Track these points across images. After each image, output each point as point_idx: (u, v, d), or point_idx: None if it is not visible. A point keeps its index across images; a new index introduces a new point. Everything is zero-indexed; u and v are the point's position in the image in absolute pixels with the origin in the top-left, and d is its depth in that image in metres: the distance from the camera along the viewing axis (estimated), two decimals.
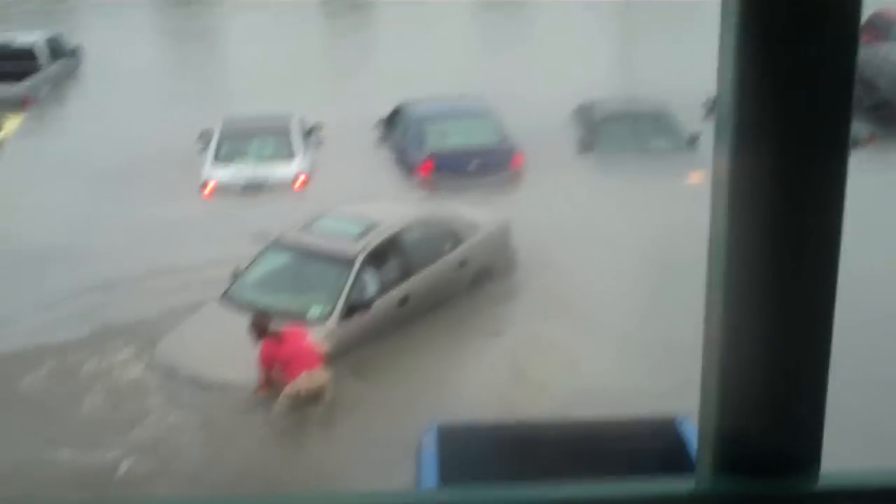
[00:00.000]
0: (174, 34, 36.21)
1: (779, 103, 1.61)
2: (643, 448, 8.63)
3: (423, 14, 37.06)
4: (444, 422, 9.41)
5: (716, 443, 1.77)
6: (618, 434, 8.79)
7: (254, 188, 18.19)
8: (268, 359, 11.27)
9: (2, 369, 11.92)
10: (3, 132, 22.13)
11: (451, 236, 13.82)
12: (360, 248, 12.64)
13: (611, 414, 9.36)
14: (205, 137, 19.75)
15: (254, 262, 13.21)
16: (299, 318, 12.05)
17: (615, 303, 13.07)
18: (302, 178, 18.38)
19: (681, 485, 1.63)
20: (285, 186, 18.22)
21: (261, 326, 11.35)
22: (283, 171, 18.45)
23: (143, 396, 11.45)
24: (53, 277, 14.25)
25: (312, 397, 11.24)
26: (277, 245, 13.29)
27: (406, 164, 18.83)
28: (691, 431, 8.57)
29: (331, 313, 12.10)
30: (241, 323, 11.94)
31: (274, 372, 11.30)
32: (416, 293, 12.95)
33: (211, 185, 18.21)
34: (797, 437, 1.75)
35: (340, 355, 11.68)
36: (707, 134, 19.46)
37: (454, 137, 19.08)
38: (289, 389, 11.15)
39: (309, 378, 11.20)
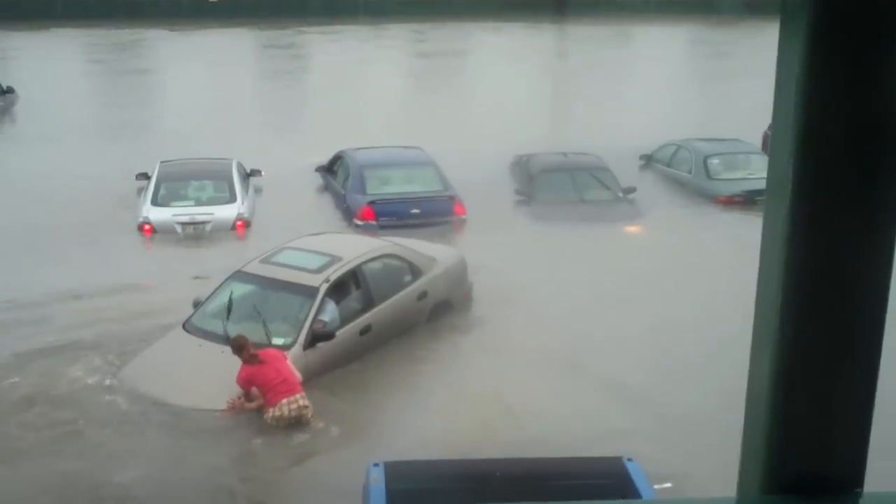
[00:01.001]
0: (110, 75, 36.03)
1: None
2: (590, 486, 8.67)
3: (359, 59, 37.46)
4: (390, 459, 9.39)
5: (760, 463, 1.82)
6: (565, 472, 8.83)
7: (192, 231, 18.08)
8: (245, 381, 11.32)
9: None
10: None
11: (410, 269, 13.95)
12: (322, 279, 12.70)
13: (558, 454, 9.40)
14: (142, 179, 19.63)
15: (215, 291, 13.22)
16: (261, 347, 11.99)
17: (560, 336, 13.41)
18: (241, 221, 18.30)
19: None
20: (225, 230, 18.13)
21: (239, 347, 11.37)
22: (223, 214, 18.38)
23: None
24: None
25: (295, 422, 11.24)
26: (239, 275, 13.30)
27: (347, 210, 18.88)
28: (637, 471, 8.66)
29: (294, 342, 12.09)
30: (202, 350, 12.13)
31: (251, 394, 11.33)
32: (378, 323, 13.05)
33: (148, 226, 18.04)
34: (841, 459, 1.82)
35: (305, 382, 11.63)
36: (642, 187, 19.91)
37: (395, 184, 19.23)
38: (273, 413, 11.17)
39: (290, 403, 11.22)
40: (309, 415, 11.36)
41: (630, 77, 35.09)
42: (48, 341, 13.32)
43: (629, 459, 8.82)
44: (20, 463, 10.55)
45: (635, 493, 8.38)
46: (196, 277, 15.43)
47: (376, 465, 8.86)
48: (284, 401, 11.24)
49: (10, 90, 29.36)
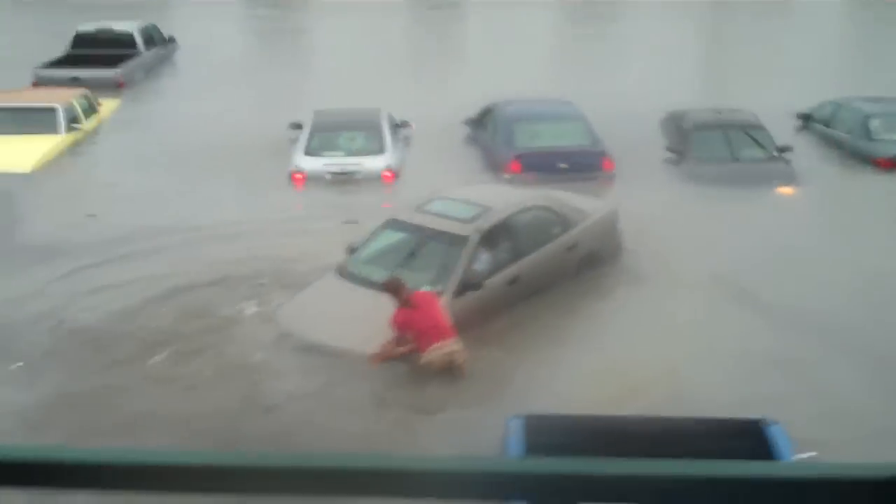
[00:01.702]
0: (266, 31, 36.75)
1: None
2: (729, 448, 8.56)
3: (510, 15, 37.26)
4: (531, 411, 9.45)
5: None
6: (704, 433, 8.73)
7: (342, 180, 18.39)
8: (401, 325, 11.52)
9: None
10: (100, 114, 22.61)
11: (560, 221, 13.90)
12: (473, 229, 12.80)
13: (697, 414, 9.29)
14: (295, 129, 20.04)
15: (369, 238, 13.49)
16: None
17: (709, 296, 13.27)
18: (390, 172, 18.53)
19: (879, 470, 1.45)
20: (374, 180, 18.39)
21: (394, 289, 11.59)
22: (372, 164, 18.63)
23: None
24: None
25: (447, 367, 11.43)
26: (392, 223, 13.52)
27: (495, 164, 18.87)
28: (777, 435, 8.50)
29: (444, 290, 12.22)
30: (355, 295, 12.40)
31: (403, 338, 11.52)
32: (526, 274, 13.07)
33: (300, 175, 18.43)
34: None
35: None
36: (798, 147, 19.33)
37: (543, 138, 19.10)
38: (425, 359, 11.37)
39: (442, 348, 11.39)
40: (461, 360, 11.47)
41: (789, 35, 33.98)
42: (205, 278, 13.87)
43: (771, 422, 8.66)
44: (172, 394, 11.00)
45: (774, 458, 8.24)
46: (346, 222, 15.72)
47: (516, 417, 8.94)
48: (437, 345, 11.38)
49: (171, 39, 30.26)
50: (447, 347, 11.44)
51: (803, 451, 8.64)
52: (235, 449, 8.84)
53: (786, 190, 18.12)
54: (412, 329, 11.50)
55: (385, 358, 11.56)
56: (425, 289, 12.28)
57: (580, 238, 13.92)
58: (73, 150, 20.57)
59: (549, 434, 8.80)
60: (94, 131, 21.83)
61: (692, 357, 11.67)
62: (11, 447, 1.56)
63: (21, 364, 11.50)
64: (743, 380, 11.22)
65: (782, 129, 20.31)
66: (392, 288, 11.64)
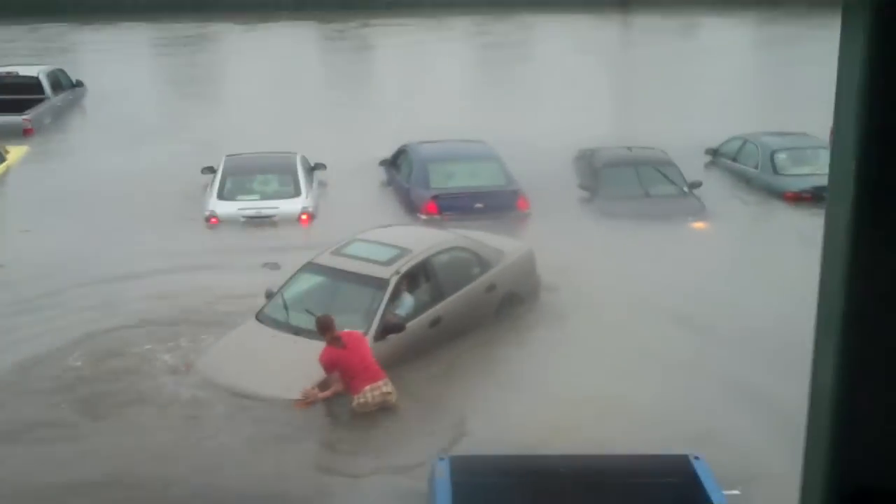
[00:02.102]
0: (174, 72, 36.46)
1: None
2: (656, 485, 8.64)
3: (422, 51, 37.55)
4: (456, 453, 9.44)
5: (823, 471, 1.78)
6: (631, 470, 8.79)
7: (257, 224, 18.25)
8: (330, 364, 11.48)
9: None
10: (7, 161, 22.15)
11: (478, 261, 13.97)
12: (392, 271, 12.79)
13: (624, 451, 9.35)
14: (208, 173, 19.84)
15: (288, 282, 13.39)
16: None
17: (628, 331, 13.41)
18: (307, 215, 18.44)
19: None
20: (290, 223, 18.28)
21: (324, 327, 11.55)
22: (288, 207, 18.53)
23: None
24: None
25: (380, 407, 11.44)
26: (310, 267, 13.44)
27: (411, 204, 18.90)
28: (704, 470, 8.58)
29: (365, 334, 12.16)
30: (275, 340, 12.37)
31: (330, 378, 11.48)
32: (448, 316, 13.10)
33: (214, 219, 18.24)
34: None
35: None
36: (708, 182, 19.72)
37: (458, 179, 19.26)
38: (358, 400, 11.35)
39: (375, 389, 11.39)
40: (393, 400, 11.50)
41: (695, 70, 34.71)
42: (120, 323, 13.68)
43: (696, 458, 8.75)
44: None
45: (703, 494, 8.32)
46: (266, 265, 15.66)
47: (442, 459, 8.91)
48: (367, 388, 11.37)
49: (79, 83, 29.82)
50: (380, 388, 11.44)
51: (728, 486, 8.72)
52: None
53: (698, 224, 18.46)
54: (341, 368, 11.44)
55: (310, 402, 11.45)
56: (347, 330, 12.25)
57: (499, 278, 13.97)
58: None
59: (474, 474, 8.79)
60: (1, 178, 21.34)
61: (623, 387, 11.79)
62: None
63: None
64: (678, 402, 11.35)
65: (692, 165, 20.69)
66: (323, 326, 11.59)
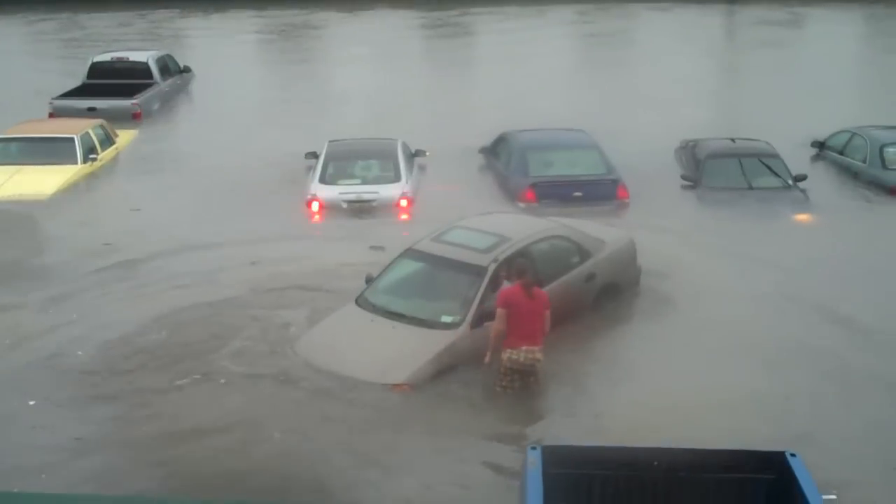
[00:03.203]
0: (280, 59, 36.99)
1: None
2: (751, 481, 8.52)
3: (523, 39, 37.48)
4: (548, 443, 9.42)
5: None
6: (726, 465, 8.67)
7: (358, 208, 18.45)
8: (506, 301, 11.46)
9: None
10: (117, 144, 22.73)
11: (578, 250, 13.85)
12: (491, 258, 12.77)
13: (719, 445, 9.23)
14: (310, 158, 20.15)
15: (387, 268, 13.49)
16: (430, 324, 12.29)
17: (732, 326, 13.22)
18: (406, 200, 18.58)
19: None
20: (389, 208, 18.43)
21: (522, 270, 11.62)
22: (388, 192, 18.68)
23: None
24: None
25: (524, 371, 11.51)
26: (410, 253, 13.51)
27: (509, 192, 18.89)
28: (800, 468, 8.43)
29: (462, 321, 12.22)
30: (374, 325, 12.48)
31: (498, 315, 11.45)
32: None
33: (316, 203, 18.49)
34: None
35: (471, 362, 11.82)
36: (813, 176, 19.34)
37: (558, 167, 19.19)
38: (510, 354, 11.40)
39: (532, 352, 11.43)
40: (538, 369, 11.54)
41: (802, 61, 34.02)
42: (227, 295, 14.13)
43: (793, 454, 8.60)
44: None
45: (799, 492, 8.17)
46: (373, 248, 15.87)
47: (534, 448, 8.90)
48: (525, 347, 11.40)
49: (186, 69, 30.42)
50: (535, 353, 11.48)
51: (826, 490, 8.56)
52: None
53: (802, 217, 18.11)
54: (514, 311, 11.39)
55: (407, 387, 11.55)
56: (445, 319, 12.30)
57: (599, 268, 13.86)
58: (89, 179, 20.67)
59: (566, 465, 8.76)
60: (111, 161, 21.94)
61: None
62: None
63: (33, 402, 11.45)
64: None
65: (798, 158, 20.31)
66: (521, 269, 11.68)
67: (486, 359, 11.56)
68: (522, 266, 11.82)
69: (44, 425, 10.95)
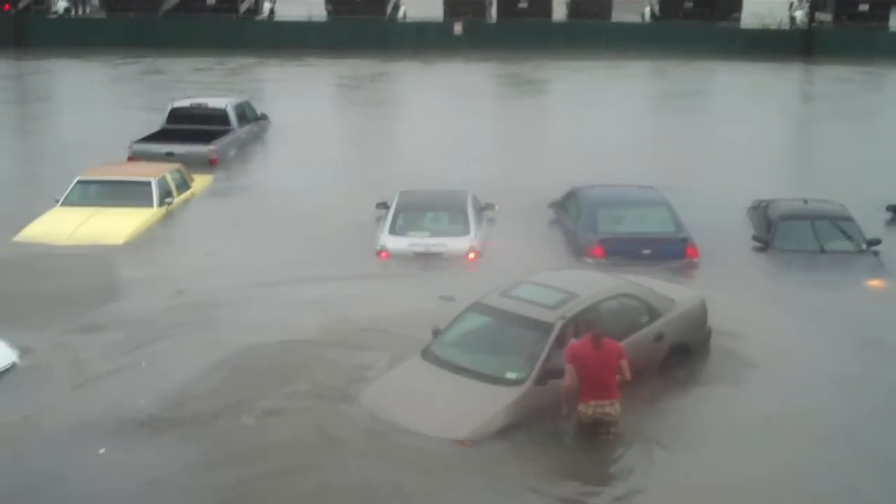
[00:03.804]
0: (358, 105, 37.47)
1: None
2: None
3: (599, 95, 37.56)
4: None
5: None
6: None
7: (426, 258, 18.55)
8: (575, 356, 11.56)
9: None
10: (193, 189, 23.15)
11: (647, 309, 13.75)
12: (558, 315, 12.74)
13: None
14: (381, 208, 20.33)
15: (454, 321, 13.53)
16: (494, 380, 12.28)
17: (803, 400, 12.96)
18: (473, 253, 18.64)
19: None
20: (457, 260, 18.50)
21: (592, 324, 11.78)
22: (456, 245, 18.74)
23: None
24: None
25: (596, 423, 11.55)
26: (478, 307, 13.54)
27: (578, 247, 18.87)
28: None
29: (526, 377, 12.19)
30: (440, 378, 12.51)
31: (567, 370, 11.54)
32: None
33: (385, 253, 18.64)
34: None
35: (534, 420, 11.83)
36: (888, 240, 19.04)
37: (627, 223, 19.14)
38: (583, 407, 11.50)
39: (604, 406, 11.49)
40: (611, 422, 11.54)
41: (880, 121, 33.66)
42: (290, 347, 14.24)
43: None
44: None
45: None
46: (443, 298, 15.89)
47: None
48: (593, 402, 11.47)
49: (263, 116, 30.94)
50: (604, 407, 11.51)
51: None
52: None
53: (875, 283, 17.83)
54: (580, 365, 11.48)
55: (470, 443, 11.54)
56: (508, 374, 12.29)
57: (668, 328, 13.73)
58: (164, 223, 21.06)
59: None
60: (187, 205, 22.34)
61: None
62: None
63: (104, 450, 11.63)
64: None
65: (872, 221, 20.04)
66: (591, 322, 11.83)
67: (564, 411, 11.67)
68: (591, 319, 11.92)
69: (115, 470, 11.15)
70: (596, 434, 11.58)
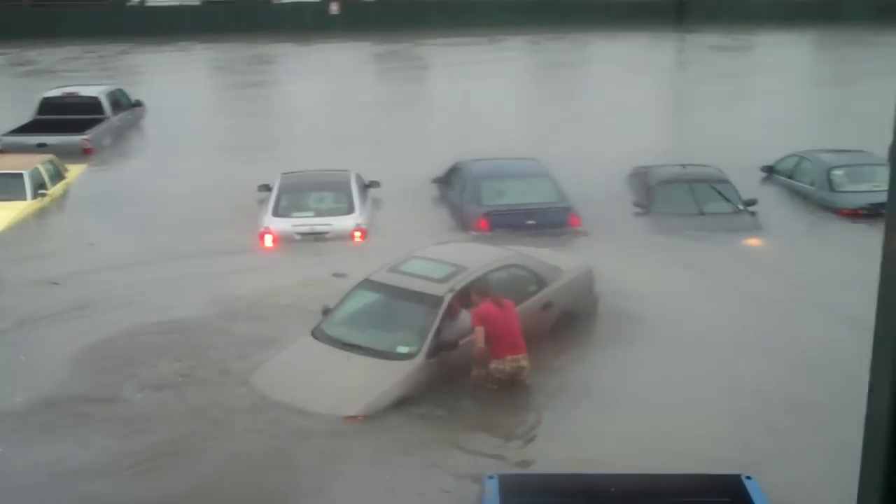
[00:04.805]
0: (236, 88, 36.95)
1: None
2: None
3: (475, 70, 37.70)
4: (504, 472, 9.41)
5: (878, 487, 1.74)
6: (682, 489, 8.70)
7: (311, 240, 18.38)
8: (483, 318, 11.89)
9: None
10: (67, 179, 22.54)
11: (535, 279, 13.85)
12: (448, 288, 12.76)
13: (674, 469, 9.25)
14: (263, 191, 20.06)
15: (343, 299, 13.45)
16: (386, 355, 12.25)
17: (686, 352, 13.27)
18: (359, 231, 18.55)
19: None
20: (343, 239, 18.39)
21: (484, 290, 12.26)
22: (342, 224, 18.63)
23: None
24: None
25: (511, 380, 11.94)
26: (366, 284, 13.48)
27: (463, 221, 18.95)
28: (756, 490, 8.48)
29: (418, 351, 12.20)
30: (331, 356, 12.47)
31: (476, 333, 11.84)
32: None
33: (270, 235, 18.41)
34: None
35: (426, 393, 11.89)
36: (763, 200, 19.54)
37: (510, 195, 19.25)
38: (496, 365, 11.83)
39: (517, 361, 11.89)
40: (525, 376, 11.99)
41: (751, 87, 34.51)
42: (176, 332, 13.98)
43: (748, 477, 8.65)
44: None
45: None
46: (335, 275, 15.84)
47: (491, 477, 8.88)
48: (510, 357, 11.84)
49: (138, 103, 30.27)
50: (519, 361, 11.92)
51: None
52: None
53: (753, 241, 18.29)
54: (491, 325, 11.82)
55: (361, 418, 11.50)
56: (399, 349, 12.28)
57: (556, 296, 13.87)
58: (39, 215, 20.46)
59: (524, 494, 8.76)
60: (62, 196, 21.74)
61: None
62: None
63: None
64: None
65: (747, 182, 20.53)
66: (482, 289, 12.31)
67: (474, 372, 11.96)
68: (481, 286, 12.37)
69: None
70: (511, 387, 11.94)
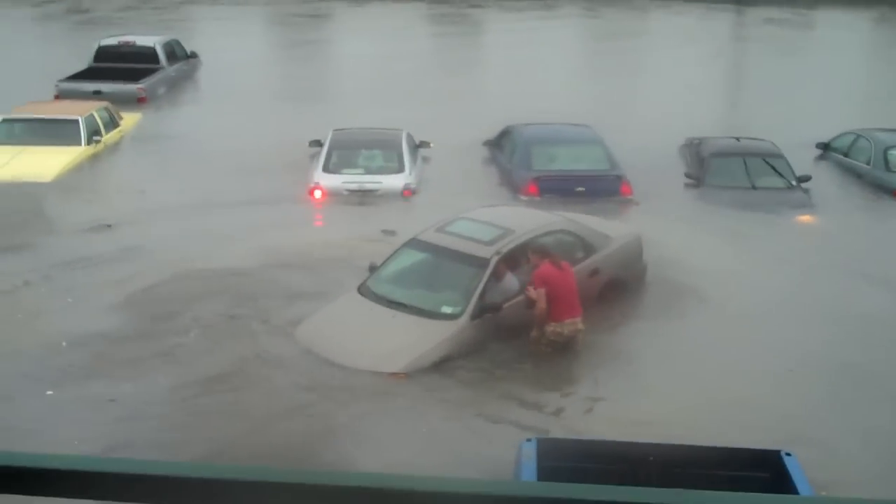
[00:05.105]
0: (290, 46, 36.97)
1: None
2: (744, 479, 8.51)
3: (530, 35, 37.41)
4: (544, 436, 9.43)
5: None
6: (719, 462, 8.67)
7: (360, 197, 18.43)
8: (544, 279, 11.96)
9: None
10: (121, 127, 22.73)
11: (583, 245, 13.81)
12: (494, 251, 12.77)
13: (713, 442, 9.22)
14: (315, 146, 20.11)
15: (390, 257, 13.50)
16: (431, 314, 12.32)
17: (734, 326, 13.18)
18: (408, 191, 18.56)
19: None
20: (392, 198, 18.41)
21: (544, 251, 12.27)
22: (391, 183, 18.66)
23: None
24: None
25: (567, 342, 12.10)
26: (413, 243, 13.52)
27: (512, 185, 18.88)
28: (795, 467, 8.44)
29: (462, 312, 12.25)
30: (375, 313, 12.53)
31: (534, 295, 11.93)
32: None
33: (319, 191, 18.47)
34: None
35: (469, 355, 11.96)
36: (817, 177, 19.30)
37: (561, 161, 19.14)
38: (554, 328, 11.95)
39: (575, 324, 12.03)
40: (581, 339, 12.13)
41: (810, 62, 33.97)
42: (224, 282, 14.12)
43: (788, 454, 8.60)
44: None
45: (792, 490, 8.18)
46: (385, 232, 15.98)
47: (529, 441, 8.90)
48: (568, 320, 11.96)
49: (193, 54, 30.38)
50: (577, 324, 12.06)
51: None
52: (233, 462, 8.96)
53: (804, 218, 18.09)
54: (551, 287, 11.89)
55: (403, 376, 11.56)
56: (444, 310, 12.30)
57: (603, 263, 13.82)
58: (94, 161, 20.68)
59: (561, 458, 8.77)
60: (116, 144, 21.95)
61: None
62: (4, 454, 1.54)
63: (51, 393, 11.40)
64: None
65: (802, 159, 20.28)
66: (542, 250, 12.30)
67: (533, 333, 12.05)
68: (540, 246, 12.36)
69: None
70: (564, 351, 12.04)
